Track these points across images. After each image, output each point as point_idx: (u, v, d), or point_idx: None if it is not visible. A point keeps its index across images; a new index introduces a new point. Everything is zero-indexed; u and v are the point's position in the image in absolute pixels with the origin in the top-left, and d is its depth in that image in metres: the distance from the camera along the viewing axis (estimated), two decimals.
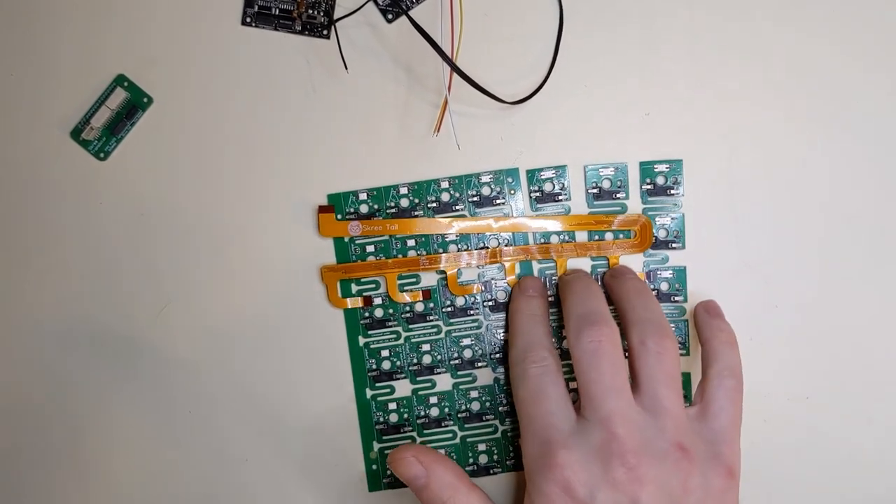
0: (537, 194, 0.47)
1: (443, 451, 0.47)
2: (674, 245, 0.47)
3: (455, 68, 0.43)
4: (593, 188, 0.47)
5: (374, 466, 0.47)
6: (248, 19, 0.47)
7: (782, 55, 0.47)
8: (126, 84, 0.46)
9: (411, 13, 0.45)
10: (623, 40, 0.47)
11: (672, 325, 0.47)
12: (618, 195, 0.47)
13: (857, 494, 0.48)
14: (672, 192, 0.47)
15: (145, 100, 0.47)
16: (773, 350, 0.48)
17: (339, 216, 0.46)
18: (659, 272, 0.47)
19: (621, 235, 0.47)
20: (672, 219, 0.47)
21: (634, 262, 0.47)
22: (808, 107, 0.47)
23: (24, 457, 0.48)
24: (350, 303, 0.47)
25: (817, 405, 0.48)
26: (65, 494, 0.48)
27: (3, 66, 0.47)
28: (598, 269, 0.47)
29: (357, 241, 0.47)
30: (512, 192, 0.47)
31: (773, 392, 0.48)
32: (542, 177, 0.47)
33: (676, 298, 0.47)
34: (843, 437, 0.48)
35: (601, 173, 0.47)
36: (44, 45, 0.47)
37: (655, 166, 0.47)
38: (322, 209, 0.46)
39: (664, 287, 0.47)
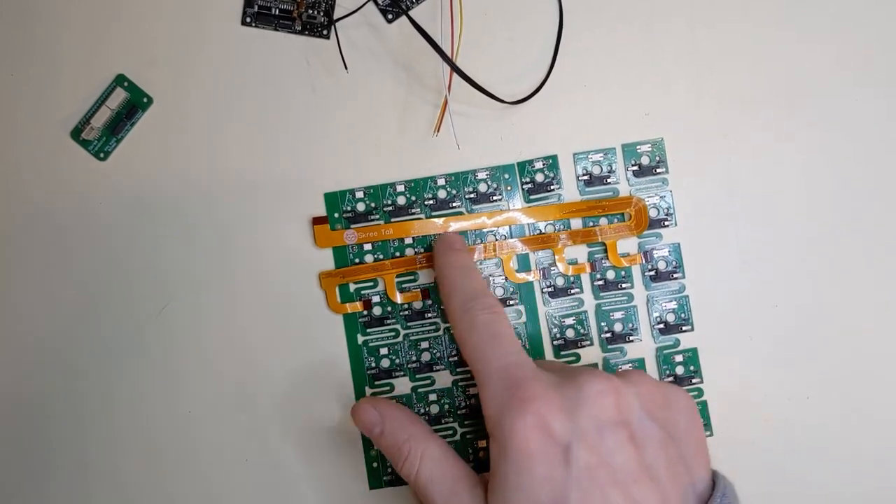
0: (529, 185, 0.47)
1: None
2: (666, 223, 0.47)
3: (455, 68, 0.43)
4: (584, 175, 0.47)
5: (375, 464, 0.47)
6: (248, 19, 0.47)
7: (782, 56, 0.47)
8: (126, 84, 0.47)
9: (411, 13, 0.45)
10: (623, 41, 0.47)
11: (674, 301, 0.47)
12: (608, 180, 0.47)
13: (857, 494, 0.48)
14: (658, 171, 0.47)
15: (145, 100, 0.47)
16: (773, 350, 0.47)
17: (336, 214, 0.47)
18: (655, 251, 0.47)
19: (616, 220, 0.47)
20: (660, 197, 0.47)
21: (630, 244, 0.47)
22: (809, 107, 0.47)
23: (25, 456, 0.48)
24: (349, 307, 0.47)
25: (817, 405, 0.48)
26: (65, 494, 0.48)
27: (4, 66, 0.47)
28: (596, 256, 0.47)
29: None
30: (508, 188, 0.47)
31: (773, 392, 0.48)
32: (534, 168, 0.47)
33: (675, 276, 0.47)
34: (843, 437, 0.48)
35: (591, 159, 0.47)
36: (44, 45, 0.47)
37: (638, 147, 0.47)
38: (316, 220, 0.47)
39: (662, 266, 0.47)
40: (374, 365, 0.47)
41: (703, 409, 0.47)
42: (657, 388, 0.40)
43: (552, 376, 0.39)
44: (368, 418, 0.42)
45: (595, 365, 0.47)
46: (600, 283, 0.47)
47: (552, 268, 0.47)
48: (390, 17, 0.47)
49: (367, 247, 0.47)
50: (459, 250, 0.45)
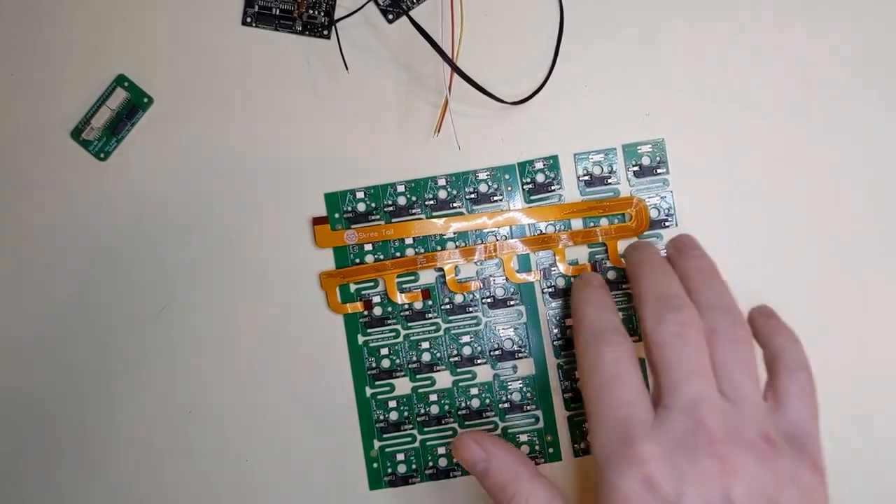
0: (530, 186, 0.47)
1: (443, 449, 0.47)
2: (666, 224, 0.47)
3: (455, 68, 0.43)
4: (584, 175, 0.47)
5: (375, 465, 0.47)
6: (249, 19, 0.47)
7: (783, 56, 0.47)
8: (126, 84, 0.47)
9: (412, 13, 0.45)
10: (623, 41, 0.47)
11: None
12: (609, 180, 0.47)
13: (856, 494, 0.48)
14: (658, 171, 0.47)
15: (145, 100, 0.47)
16: None
17: (337, 214, 0.47)
18: None
19: (616, 220, 0.47)
20: (661, 198, 0.47)
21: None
22: (810, 107, 0.47)
23: (25, 456, 0.48)
24: (350, 308, 0.47)
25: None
26: (65, 494, 0.48)
27: (4, 66, 0.47)
28: (596, 256, 0.47)
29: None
30: (509, 188, 0.47)
31: None
32: (534, 168, 0.47)
33: None
34: (842, 437, 0.48)
35: (591, 159, 0.47)
36: (44, 45, 0.47)
37: (639, 147, 0.47)
38: (316, 220, 0.47)
39: None
40: (374, 365, 0.47)
41: None
42: (770, 471, 0.37)
43: (667, 437, 0.36)
44: (472, 455, 0.41)
45: None
46: None
47: (553, 268, 0.47)
48: (391, 17, 0.47)
49: (368, 247, 0.47)
50: (596, 287, 0.44)
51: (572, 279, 0.47)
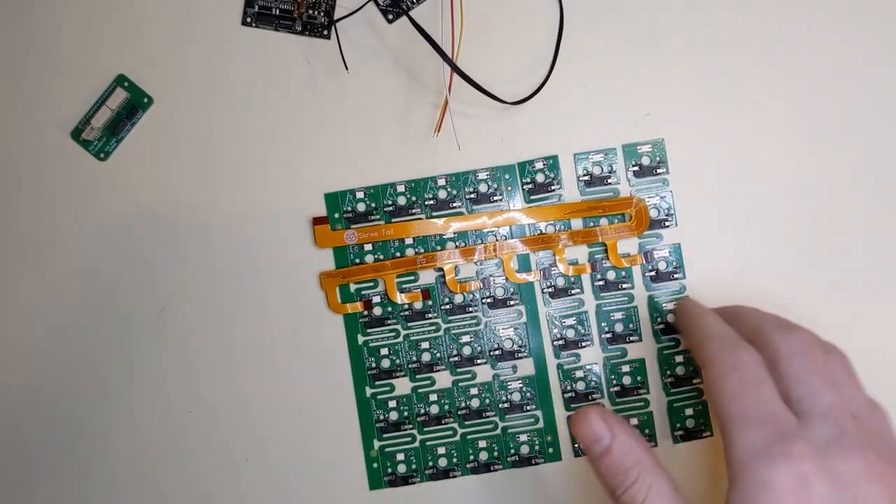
0: (530, 186, 0.47)
1: (443, 449, 0.47)
2: (666, 224, 0.47)
3: (455, 68, 0.43)
4: (584, 175, 0.47)
5: (375, 465, 0.47)
6: (249, 19, 0.47)
7: (783, 56, 0.47)
8: (126, 84, 0.47)
9: (411, 13, 0.45)
10: (624, 41, 0.47)
11: (674, 302, 0.47)
12: (609, 180, 0.47)
13: None
14: (658, 171, 0.47)
15: (145, 100, 0.47)
16: None
17: (337, 214, 0.47)
18: (655, 251, 0.47)
19: (616, 220, 0.47)
20: (661, 198, 0.47)
21: (631, 244, 0.47)
22: (810, 107, 0.47)
23: (25, 457, 0.48)
24: (350, 308, 0.47)
25: None
26: (66, 494, 0.48)
27: (3, 66, 0.47)
28: (596, 256, 0.47)
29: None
30: (509, 188, 0.47)
31: None
32: (534, 168, 0.47)
33: (676, 276, 0.47)
34: None
35: (591, 159, 0.47)
36: (43, 45, 0.47)
37: (638, 147, 0.47)
38: (316, 220, 0.47)
39: (662, 266, 0.47)
40: (374, 365, 0.47)
41: (704, 411, 0.47)
42: None
43: (816, 439, 0.36)
44: (596, 431, 0.39)
45: (594, 364, 0.47)
46: (601, 283, 0.47)
47: (553, 268, 0.47)
48: (391, 17, 0.47)
49: (368, 247, 0.47)
50: (710, 309, 0.44)
51: (676, 304, 0.47)
